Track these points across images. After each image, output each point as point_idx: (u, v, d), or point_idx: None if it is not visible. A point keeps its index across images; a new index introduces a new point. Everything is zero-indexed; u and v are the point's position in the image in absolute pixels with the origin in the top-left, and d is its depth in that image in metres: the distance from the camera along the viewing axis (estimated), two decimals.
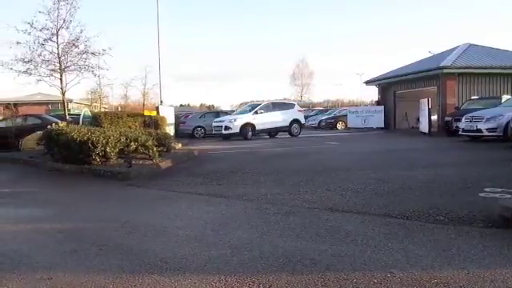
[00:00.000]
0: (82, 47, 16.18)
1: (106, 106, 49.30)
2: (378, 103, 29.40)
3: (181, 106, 71.78)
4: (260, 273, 3.33)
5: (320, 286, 3.06)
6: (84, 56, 16.27)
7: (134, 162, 9.59)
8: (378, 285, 3.03)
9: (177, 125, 23.73)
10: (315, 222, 4.83)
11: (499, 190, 5.95)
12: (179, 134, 22.33)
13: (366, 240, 4.06)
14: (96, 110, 34.29)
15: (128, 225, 4.98)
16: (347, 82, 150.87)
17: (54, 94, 22.35)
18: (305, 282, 3.11)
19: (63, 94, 16.54)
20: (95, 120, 16.16)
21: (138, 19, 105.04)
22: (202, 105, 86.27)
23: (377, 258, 3.57)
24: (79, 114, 19.72)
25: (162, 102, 25.38)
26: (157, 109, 19.60)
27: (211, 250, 3.91)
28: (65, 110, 17.86)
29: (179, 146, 15.69)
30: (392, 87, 27.58)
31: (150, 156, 10.32)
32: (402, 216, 4.91)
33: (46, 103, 44.97)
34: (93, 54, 16.54)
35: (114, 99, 54.87)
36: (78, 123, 15.07)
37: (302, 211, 5.37)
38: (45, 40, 15.69)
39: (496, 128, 13.66)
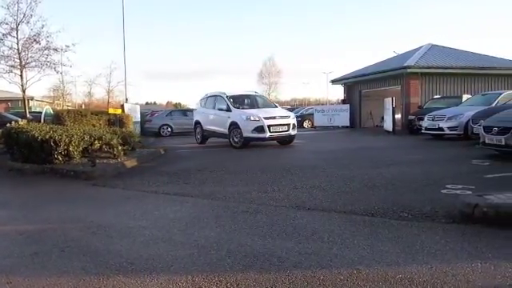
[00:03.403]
0: (43, 43, 15.83)
1: (69, 104, 48.28)
2: (344, 102, 29.80)
3: (147, 103, 70.83)
4: (227, 272, 3.31)
5: (287, 283, 3.07)
6: (46, 52, 15.92)
7: (98, 161, 9.38)
8: (345, 281, 3.07)
9: (143, 123, 23.42)
10: (282, 220, 4.85)
11: (460, 186, 6.13)
12: (145, 133, 22.02)
13: (332, 237, 4.11)
14: (58, 108, 33.42)
15: (92, 225, 4.87)
16: (314, 80, 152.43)
17: (14, 91, 21.71)
18: (272, 281, 3.12)
19: (23, 91, 16.10)
20: (57, 118, 15.74)
21: (104, 15, 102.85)
22: (168, 103, 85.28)
23: (343, 254, 3.61)
24: (41, 112, 19.22)
25: (127, 99, 25.10)
26: (122, 107, 19.32)
27: (178, 250, 3.87)
28: (25, 107, 17.37)
29: (145, 144, 15.47)
30: (357, 86, 28.02)
31: (114, 155, 10.13)
32: (367, 213, 5.00)
33: (6, 101, 43.39)
34: (55, 50, 16.21)
35: (77, 97, 53.96)
36: (40, 121, 14.67)
37: (270, 209, 5.38)
38: (3, 35, 15.25)
39: (457, 126, 14.10)
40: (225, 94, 15.61)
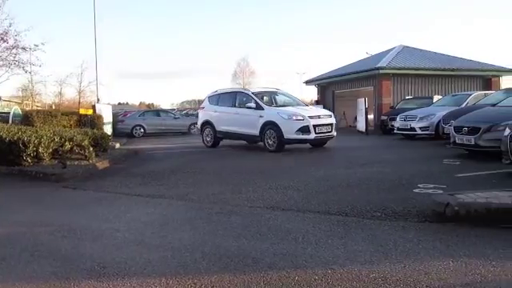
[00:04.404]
0: (11, 42, 15.45)
1: (39, 104, 47.13)
2: (318, 102, 30.01)
3: (119, 104, 69.73)
4: (202, 274, 3.27)
5: (262, 284, 3.05)
6: (14, 51, 15.58)
7: (69, 163, 9.19)
8: (319, 281, 3.07)
9: (115, 123, 23.06)
10: (257, 220, 4.83)
11: (432, 185, 6.24)
12: (117, 133, 21.69)
13: (306, 237, 4.11)
14: (27, 108, 32.63)
15: (63, 228, 4.74)
16: (288, 81, 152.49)
17: None
18: (247, 282, 3.10)
19: None
20: (26, 119, 15.35)
21: (76, 13, 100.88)
22: (141, 103, 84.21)
23: (317, 254, 3.62)
24: (9, 113, 18.72)
25: (98, 100, 24.62)
26: (93, 107, 18.97)
27: (151, 253, 3.80)
28: None
29: (117, 145, 15.25)
30: (331, 87, 28.29)
31: (86, 156, 9.94)
32: (341, 213, 5.03)
33: None
34: (23, 49, 15.87)
35: (47, 97, 52.65)
36: (8, 122, 14.29)
37: (244, 210, 5.36)
38: None
39: (428, 127, 14.39)
40: (249, 90, 14.38)
